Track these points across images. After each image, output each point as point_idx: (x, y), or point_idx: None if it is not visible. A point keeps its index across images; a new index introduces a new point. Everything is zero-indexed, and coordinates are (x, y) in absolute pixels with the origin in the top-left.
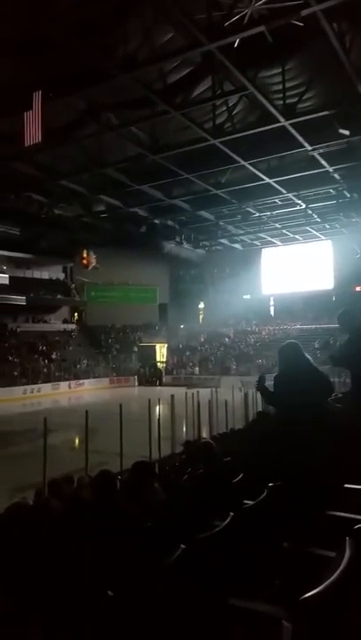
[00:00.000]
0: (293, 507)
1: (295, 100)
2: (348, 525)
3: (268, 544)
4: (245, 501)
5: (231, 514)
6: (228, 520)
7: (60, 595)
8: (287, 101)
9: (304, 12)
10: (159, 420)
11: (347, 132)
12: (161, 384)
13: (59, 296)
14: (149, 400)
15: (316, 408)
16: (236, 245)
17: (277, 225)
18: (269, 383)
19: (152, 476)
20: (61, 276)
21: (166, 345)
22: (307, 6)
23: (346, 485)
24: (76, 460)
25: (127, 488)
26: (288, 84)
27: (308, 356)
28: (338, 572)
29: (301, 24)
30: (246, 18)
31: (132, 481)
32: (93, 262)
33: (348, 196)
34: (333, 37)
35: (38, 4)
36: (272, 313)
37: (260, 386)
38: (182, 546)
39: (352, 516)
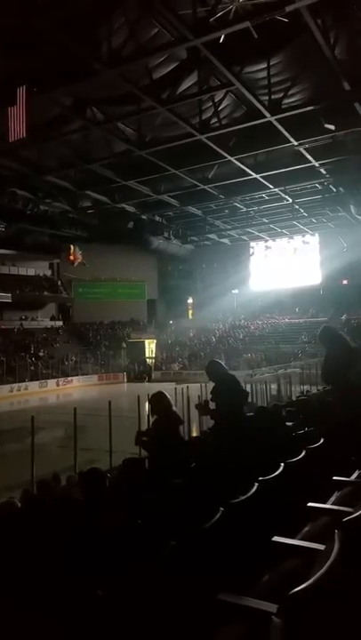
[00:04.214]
0: (282, 501)
1: (281, 95)
2: (337, 518)
3: (258, 538)
4: (236, 496)
5: (221, 509)
6: (217, 515)
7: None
8: (273, 97)
9: (288, 8)
10: (149, 415)
11: (332, 127)
12: (150, 380)
13: (45, 293)
14: (138, 396)
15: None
16: (225, 240)
17: (265, 220)
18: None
19: (142, 472)
20: (48, 272)
21: (155, 341)
22: (291, 2)
23: (334, 478)
24: (65, 459)
25: (117, 485)
26: (274, 80)
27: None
28: (327, 565)
29: (286, 20)
30: (231, 13)
31: (122, 478)
32: (80, 258)
33: (334, 190)
34: (318, 33)
35: None
36: (261, 307)
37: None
38: (172, 542)
39: (341, 508)
